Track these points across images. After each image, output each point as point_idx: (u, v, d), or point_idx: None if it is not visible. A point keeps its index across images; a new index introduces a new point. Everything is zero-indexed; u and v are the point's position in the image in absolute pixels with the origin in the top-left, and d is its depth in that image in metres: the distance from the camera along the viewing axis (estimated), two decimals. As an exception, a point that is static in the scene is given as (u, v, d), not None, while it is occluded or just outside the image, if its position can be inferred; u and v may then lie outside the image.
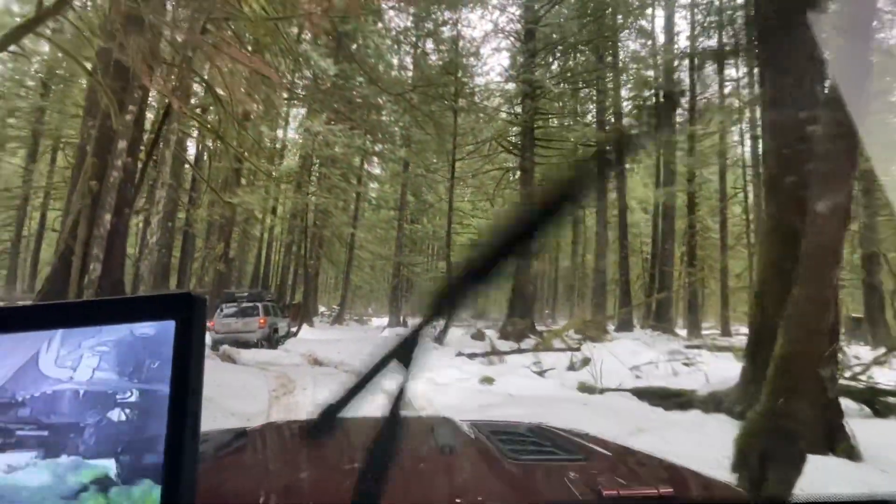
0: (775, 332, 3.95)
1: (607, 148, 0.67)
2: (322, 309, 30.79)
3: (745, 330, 22.24)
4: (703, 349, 11.39)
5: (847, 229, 2.88)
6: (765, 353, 4.18)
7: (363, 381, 0.61)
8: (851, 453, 3.38)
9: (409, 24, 19.42)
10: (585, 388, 6.48)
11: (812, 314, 2.54)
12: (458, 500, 0.84)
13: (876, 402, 4.92)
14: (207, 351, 11.06)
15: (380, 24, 19.29)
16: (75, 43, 8.54)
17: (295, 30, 14.58)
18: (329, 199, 18.14)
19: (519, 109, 17.20)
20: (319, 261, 24.89)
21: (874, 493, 0.89)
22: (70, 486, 0.48)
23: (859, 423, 4.02)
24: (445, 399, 5.83)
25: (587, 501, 0.80)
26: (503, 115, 18.80)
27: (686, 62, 20.36)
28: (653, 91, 22.06)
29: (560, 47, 18.42)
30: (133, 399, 0.50)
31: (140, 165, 6.88)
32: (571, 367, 8.66)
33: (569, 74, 19.20)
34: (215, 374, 6.98)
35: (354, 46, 16.61)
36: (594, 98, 20.82)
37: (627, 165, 22.24)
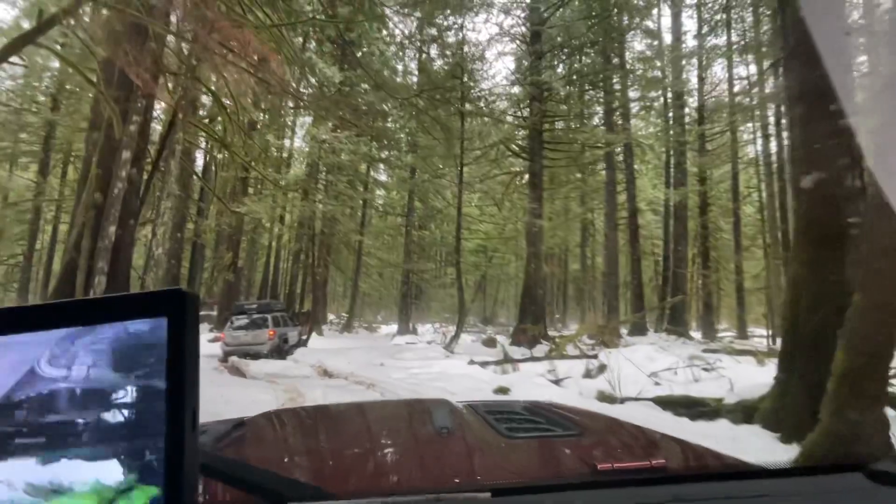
0: (813, 339, 3.71)
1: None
2: (331, 317, 30.70)
3: (760, 332, 21.83)
4: (721, 353, 11.05)
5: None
6: (802, 361, 3.94)
7: None
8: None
9: (413, 29, 19.40)
10: (605, 398, 6.22)
11: (879, 324, 2.30)
12: (456, 480, 0.84)
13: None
14: (216, 363, 10.94)
15: (384, 32, 19.31)
16: (80, 55, 8.54)
17: (299, 39, 14.53)
18: (336, 207, 18.05)
19: (526, 113, 17.02)
20: (328, 269, 24.81)
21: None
22: (70, 488, 0.48)
23: None
24: (459, 411, 5.61)
25: (582, 475, 0.83)
26: (510, 119, 18.64)
27: (694, 61, 20.14)
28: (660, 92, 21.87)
29: (566, 49, 18.27)
30: (130, 397, 0.50)
31: (146, 176, 6.81)
32: (588, 375, 8.41)
33: (574, 77, 19.03)
34: (223, 388, 6.84)
35: (360, 54, 16.57)
36: (601, 100, 20.60)
37: (636, 166, 22.02)
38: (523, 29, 17.35)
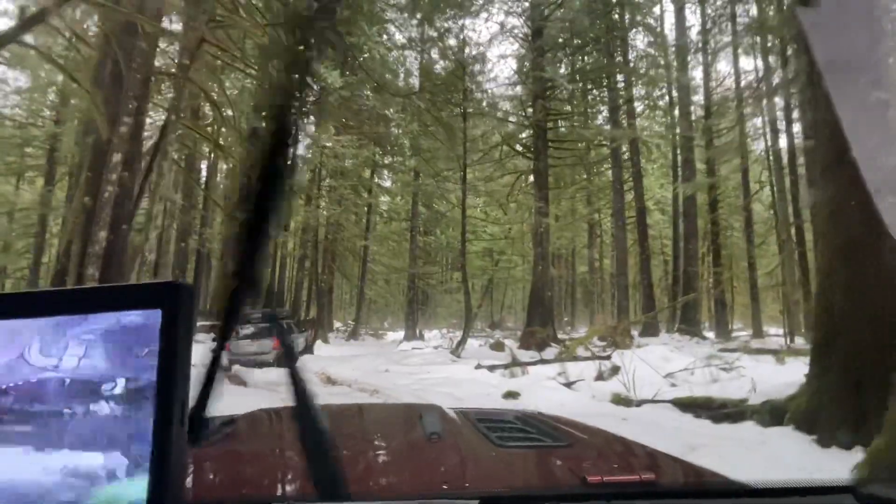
0: (851, 331, 3.39)
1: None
2: (338, 324, 30.51)
3: (774, 331, 21.29)
4: (738, 353, 10.65)
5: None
6: (839, 355, 3.61)
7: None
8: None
9: (414, 34, 19.30)
10: (621, 401, 5.90)
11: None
12: (444, 486, 0.83)
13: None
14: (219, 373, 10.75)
15: (385, 36, 19.22)
16: (81, 60, 8.43)
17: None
18: (339, 212, 17.88)
19: (530, 111, 16.78)
20: (333, 275, 24.63)
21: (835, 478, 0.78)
22: (56, 479, 0.47)
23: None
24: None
25: (572, 486, 0.82)
26: (513, 119, 18.41)
27: (699, 56, 19.82)
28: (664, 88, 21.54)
29: (569, 47, 18.04)
30: (119, 388, 0.49)
31: (140, 179, 6.63)
32: (600, 377, 8.08)
33: (577, 77, 18.78)
34: (222, 399, 6.58)
35: (360, 59, 16.45)
36: (605, 99, 20.32)
37: (643, 164, 21.65)
38: (525, 28, 17.16)
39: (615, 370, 8.01)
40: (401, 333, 23.99)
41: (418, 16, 17.94)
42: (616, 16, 18.21)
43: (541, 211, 15.08)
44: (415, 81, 18.80)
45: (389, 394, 7.06)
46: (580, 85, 18.91)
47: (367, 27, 15.02)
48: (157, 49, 7.03)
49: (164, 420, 0.47)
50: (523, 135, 18.60)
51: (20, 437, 0.48)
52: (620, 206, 18.02)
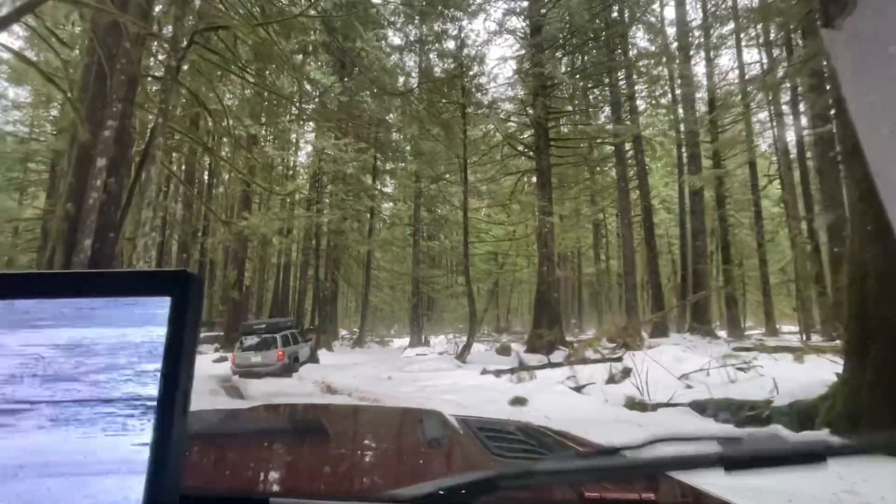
0: (887, 325, 3.07)
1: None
2: (343, 332, 30.26)
3: (786, 328, 20.76)
4: (754, 351, 10.26)
5: None
6: (879, 351, 3.28)
7: None
8: None
9: (412, 38, 19.16)
10: (635, 405, 5.56)
11: None
12: (440, 492, 0.82)
13: None
14: (215, 384, 10.42)
15: (383, 42, 19.09)
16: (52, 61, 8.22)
17: (296, 47, 14.29)
18: (341, 216, 17.65)
19: (530, 111, 16.52)
20: (337, 283, 24.38)
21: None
22: (61, 460, 0.48)
23: None
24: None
25: (570, 502, 0.82)
26: (514, 118, 18.16)
27: (701, 52, 19.51)
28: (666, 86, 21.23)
29: (568, 45, 17.81)
30: (125, 373, 0.49)
31: (129, 185, 6.41)
32: (611, 380, 7.74)
33: (577, 77, 18.52)
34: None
35: (357, 58, 16.29)
36: (607, 97, 20.03)
37: (647, 162, 21.31)
38: (523, 25, 16.95)
39: (626, 372, 7.67)
40: (407, 340, 23.70)
41: (416, 20, 17.83)
42: (615, 13, 18.00)
43: (545, 210, 14.78)
44: (414, 83, 18.62)
45: (391, 403, 6.76)
46: (581, 84, 18.64)
47: (362, 30, 14.85)
48: (144, 50, 6.82)
49: (167, 408, 0.48)
50: (525, 134, 18.35)
51: (27, 417, 0.48)
52: (626, 204, 17.67)
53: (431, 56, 18.99)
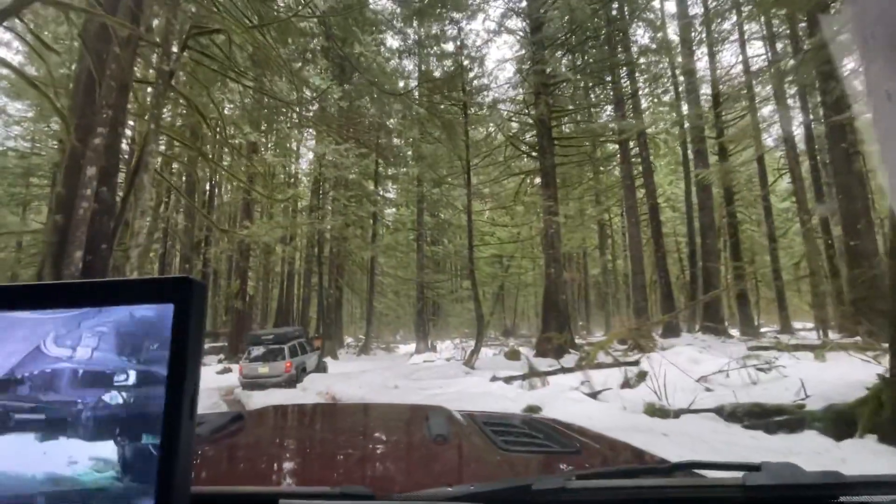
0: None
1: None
2: (349, 340, 30.01)
3: (799, 325, 20.32)
4: (773, 350, 9.90)
5: None
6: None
7: None
8: None
9: (411, 42, 19.02)
10: (656, 411, 5.25)
11: None
12: (448, 488, 0.83)
13: None
14: (218, 398, 10.19)
15: (382, 48, 18.96)
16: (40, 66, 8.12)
17: (292, 51, 14.14)
18: (343, 222, 17.45)
19: (533, 110, 16.29)
20: (341, 290, 24.17)
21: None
22: (67, 468, 0.47)
23: None
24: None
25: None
26: (516, 118, 17.93)
27: (703, 47, 19.23)
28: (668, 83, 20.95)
29: (569, 43, 17.58)
30: (131, 380, 0.49)
31: (122, 194, 6.22)
32: (627, 384, 7.44)
33: (578, 76, 18.30)
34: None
35: (356, 75, 16.15)
36: (609, 96, 19.78)
37: (652, 160, 21.00)
38: (523, 25, 16.76)
39: (642, 376, 7.37)
40: (413, 346, 23.42)
41: (414, 21, 17.68)
42: (615, 11, 17.79)
43: (550, 210, 14.49)
44: (414, 84, 18.47)
45: (398, 413, 6.49)
46: (581, 83, 18.41)
47: (360, 35, 14.71)
48: (140, 58, 6.64)
49: (174, 413, 0.47)
50: (527, 135, 18.11)
51: (33, 424, 0.48)
52: (632, 202, 17.36)
53: (431, 59, 18.87)
